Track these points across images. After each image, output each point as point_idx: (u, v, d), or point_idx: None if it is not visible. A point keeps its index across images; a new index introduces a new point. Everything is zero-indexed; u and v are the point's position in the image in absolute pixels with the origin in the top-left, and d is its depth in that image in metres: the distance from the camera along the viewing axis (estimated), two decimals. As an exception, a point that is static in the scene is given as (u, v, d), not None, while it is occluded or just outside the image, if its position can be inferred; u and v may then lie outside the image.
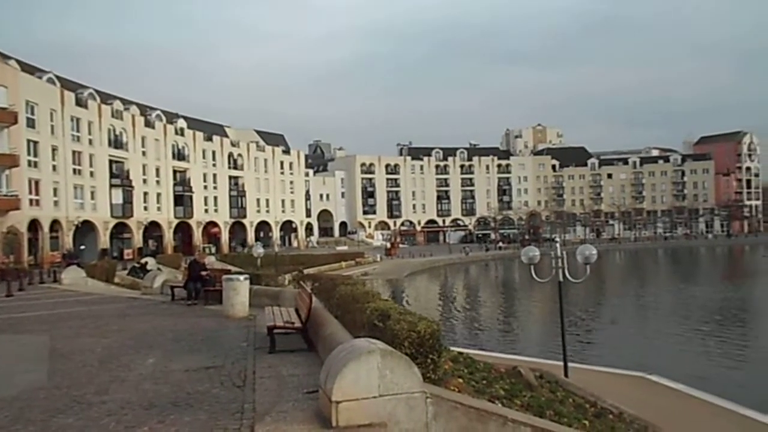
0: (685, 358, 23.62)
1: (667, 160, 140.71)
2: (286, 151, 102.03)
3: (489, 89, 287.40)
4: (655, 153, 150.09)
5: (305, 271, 39.10)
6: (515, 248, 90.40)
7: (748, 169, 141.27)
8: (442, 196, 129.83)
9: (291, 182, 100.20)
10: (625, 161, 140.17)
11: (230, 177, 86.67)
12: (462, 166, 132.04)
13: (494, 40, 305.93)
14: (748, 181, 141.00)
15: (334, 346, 6.34)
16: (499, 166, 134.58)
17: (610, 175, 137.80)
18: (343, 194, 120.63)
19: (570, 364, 15.50)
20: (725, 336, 28.89)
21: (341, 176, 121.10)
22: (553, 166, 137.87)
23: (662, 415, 12.14)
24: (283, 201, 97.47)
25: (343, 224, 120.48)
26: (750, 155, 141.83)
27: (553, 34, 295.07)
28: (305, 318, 9.63)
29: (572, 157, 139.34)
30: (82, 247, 55.32)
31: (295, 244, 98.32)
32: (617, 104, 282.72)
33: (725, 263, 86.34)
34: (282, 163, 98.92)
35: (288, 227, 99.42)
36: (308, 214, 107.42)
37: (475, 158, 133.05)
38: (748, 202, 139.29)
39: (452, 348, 14.36)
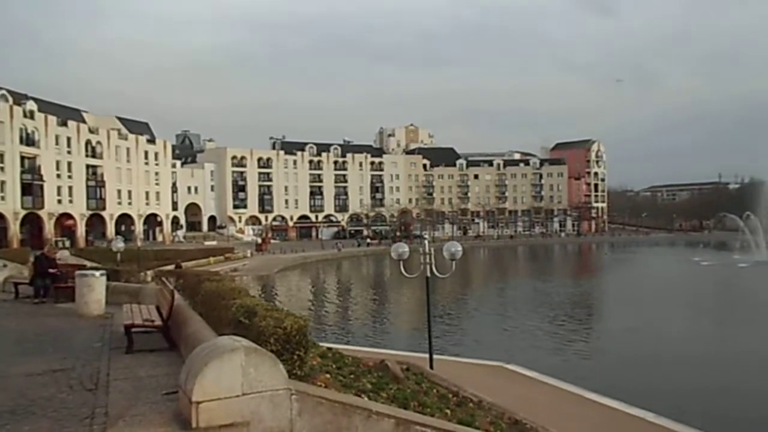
0: (541, 347, 25.33)
1: (527, 163, 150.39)
2: (151, 141, 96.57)
3: (364, 87, 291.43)
4: (517, 156, 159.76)
5: (169, 267, 37.27)
6: (387, 245, 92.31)
7: (596, 174, 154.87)
8: (316, 192, 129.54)
9: (156, 173, 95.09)
10: (491, 163, 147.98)
11: (88, 166, 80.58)
12: (336, 163, 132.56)
13: (369, 37, 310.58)
14: (596, 185, 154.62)
15: (197, 344, 6.08)
16: (372, 163, 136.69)
17: (476, 176, 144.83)
18: (212, 187, 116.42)
19: (435, 356, 16.01)
20: (575, 327, 31.41)
21: (211, 169, 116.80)
22: (424, 166, 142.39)
23: (519, 401, 12.91)
24: (147, 193, 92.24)
25: (212, 218, 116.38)
26: (598, 161, 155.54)
27: (427, 35, 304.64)
28: (167, 316, 9.16)
29: (442, 157, 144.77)
30: None
31: (160, 238, 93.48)
32: (485, 108, 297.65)
33: (575, 260, 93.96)
34: (146, 153, 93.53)
35: (152, 221, 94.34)
36: (175, 208, 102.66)
37: (349, 155, 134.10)
38: (595, 204, 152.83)
39: (321, 344, 14.33)
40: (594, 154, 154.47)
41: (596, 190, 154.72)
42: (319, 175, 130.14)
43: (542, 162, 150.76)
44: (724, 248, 79.24)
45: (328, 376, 8.25)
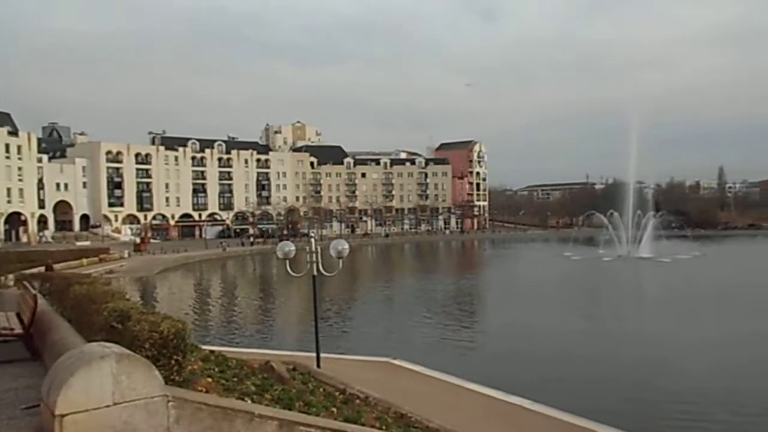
0: (426, 342, 26.02)
1: (413, 162, 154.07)
2: (13, 133, 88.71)
3: (250, 82, 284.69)
4: (403, 155, 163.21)
5: (36, 270, 34.50)
6: (274, 243, 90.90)
7: (478, 173, 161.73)
8: (199, 190, 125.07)
9: (19, 168, 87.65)
10: (378, 162, 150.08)
11: (-63, 159, 72.80)
12: (220, 159, 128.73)
13: (256, 31, 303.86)
14: (478, 184, 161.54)
15: (63, 352, 5.61)
16: (258, 160, 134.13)
17: (364, 174, 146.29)
18: (85, 184, 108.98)
19: (323, 355, 15.97)
20: (459, 321, 32.55)
21: (83, 164, 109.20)
22: (312, 163, 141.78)
23: (405, 395, 13.17)
24: (9, 189, 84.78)
25: (85, 217, 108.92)
26: (479, 162, 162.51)
27: (315, 32, 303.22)
28: (28, 323, 8.42)
29: (330, 155, 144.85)
30: None
31: (24, 239, 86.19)
32: (373, 107, 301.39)
33: (459, 256, 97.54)
34: (8, 146, 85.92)
35: (15, 220, 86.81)
36: (42, 206, 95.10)
37: (234, 152, 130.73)
38: (477, 203, 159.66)
39: (204, 347, 13.84)
40: (476, 154, 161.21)
41: (478, 189, 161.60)
42: (202, 172, 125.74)
43: (427, 161, 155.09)
44: (592, 243, 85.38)
45: (209, 380, 7.96)
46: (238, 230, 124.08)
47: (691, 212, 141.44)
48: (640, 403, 16.53)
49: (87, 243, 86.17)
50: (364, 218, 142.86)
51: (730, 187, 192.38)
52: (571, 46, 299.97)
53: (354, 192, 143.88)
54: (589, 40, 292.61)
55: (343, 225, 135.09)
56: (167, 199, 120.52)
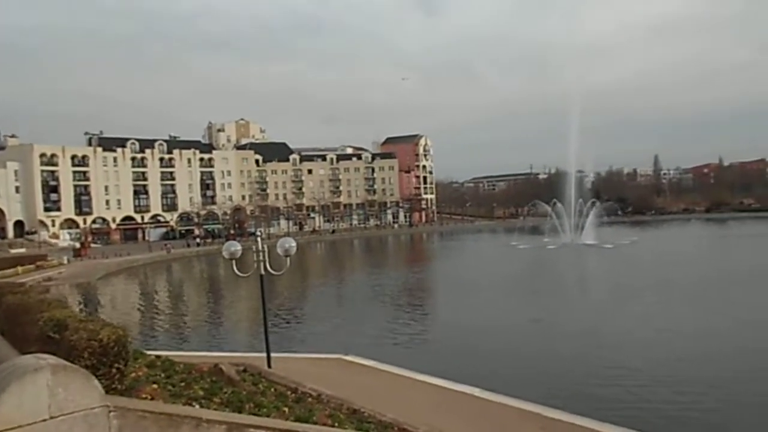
0: (378, 336, 26.09)
1: (359, 157, 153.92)
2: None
3: (190, 79, 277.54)
4: (349, 151, 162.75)
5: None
6: (221, 243, 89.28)
7: (425, 167, 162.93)
8: (140, 191, 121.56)
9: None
10: (324, 158, 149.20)
11: None
12: (162, 159, 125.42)
13: (197, 25, 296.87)
14: (425, 178, 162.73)
15: (-5, 367, 5.34)
16: (201, 159, 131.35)
17: (310, 171, 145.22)
18: (17, 189, 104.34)
19: (274, 354, 15.83)
20: (409, 314, 32.81)
21: (15, 168, 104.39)
22: (257, 161, 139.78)
23: (357, 391, 13.19)
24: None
25: (19, 223, 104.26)
26: (425, 155, 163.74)
27: (258, 26, 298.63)
28: (-43, 337, 8.00)
29: (275, 152, 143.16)
30: None
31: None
32: (318, 102, 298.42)
33: (409, 249, 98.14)
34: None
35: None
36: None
37: (176, 151, 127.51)
38: (425, 196, 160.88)
39: (151, 352, 13.49)
40: (422, 148, 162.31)
41: (425, 183, 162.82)
42: (143, 173, 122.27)
43: (374, 156, 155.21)
44: (537, 232, 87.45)
45: (155, 386, 7.74)
46: (183, 231, 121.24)
47: (630, 199, 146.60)
48: (587, 387, 17.05)
49: (22, 250, 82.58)
50: (312, 215, 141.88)
51: (665, 174, 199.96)
52: (513, 40, 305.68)
53: (301, 189, 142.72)
54: (531, 33, 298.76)
55: (290, 222, 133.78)
56: (107, 201, 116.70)
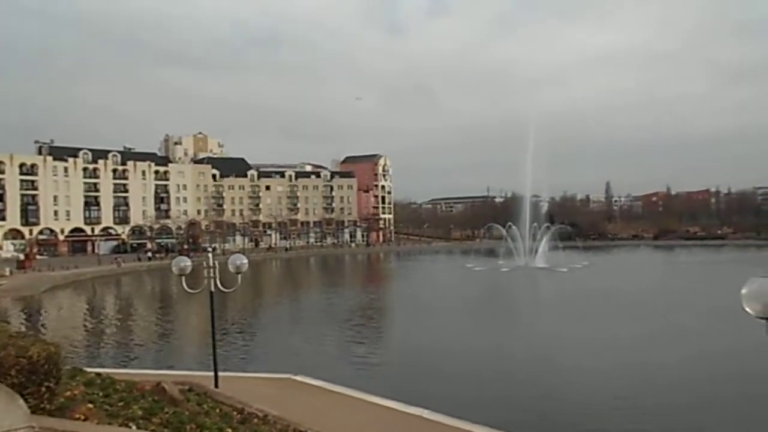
0: (330, 356, 25.82)
1: (318, 175, 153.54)
2: None
3: (148, 91, 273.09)
4: (308, 168, 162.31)
5: None
6: (173, 258, 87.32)
7: (383, 187, 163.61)
8: (91, 203, 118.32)
9: None
10: (282, 174, 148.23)
11: None
12: (115, 171, 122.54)
13: (153, 37, 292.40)
14: (383, 198, 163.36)
15: None
16: (157, 172, 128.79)
17: (268, 187, 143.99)
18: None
19: (222, 374, 15.45)
20: (363, 334, 32.61)
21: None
22: (214, 176, 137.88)
23: (306, 412, 12.97)
24: None
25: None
26: (385, 175, 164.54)
27: (218, 40, 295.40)
28: None
29: (232, 167, 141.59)
30: None
31: None
32: (278, 119, 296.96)
33: (365, 269, 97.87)
34: None
35: None
36: None
37: (131, 163, 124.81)
38: (383, 216, 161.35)
39: (92, 369, 13.01)
40: (381, 168, 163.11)
41: (383, 202, 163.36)
42: (95, 184, 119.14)
43: (333, 174, 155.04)
44: (492, 255, 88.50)
45: (91, 406, 7.42)
46: (134, 245, 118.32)
47: (582, 224, 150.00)
48: (539, 411, 17.18)
49: (-38, 261, 79.08)
50: (269, 232, 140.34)
51: (616, 201, 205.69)
52: (473, 64, 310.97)
53: (258, 205, 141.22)
54: (491, 58, 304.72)
55: (246, 239, 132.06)
56: (56, 212, 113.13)
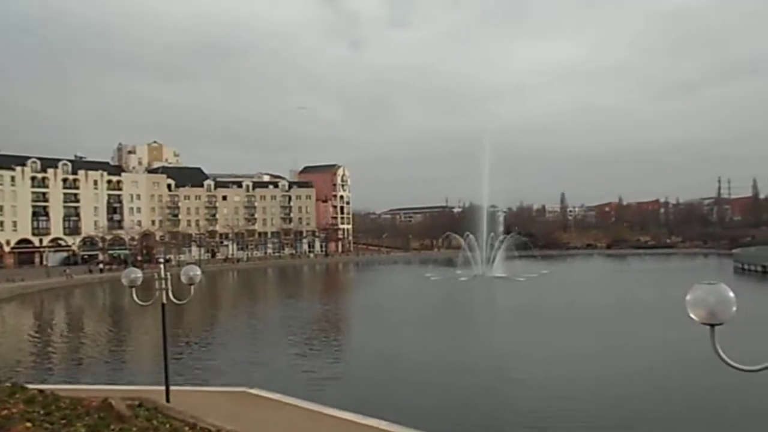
0: (287, 368, 25.46)
1: (276, 185, 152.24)
2: None
3: (99, 98, 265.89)
4: (266, 178, 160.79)
5: None
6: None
7: (342, 197, 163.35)
8: (40, 213, 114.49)
9: None
10: (239, 184, 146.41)
11: None
12: (65, 180, 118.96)
13: (106, 44, 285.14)
14: (342, 208, 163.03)
15: None
16: (109, 182, 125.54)
17: (225, 197, 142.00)
18: None
19: (175, 388, 15.07)
20: (320, 346, 32.29)
21: None
22: (169, 186, 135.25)
23: (260, 426, 12.78)
24: None
25: None
26: (343, 185, 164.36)
27: (173, 48, 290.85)
28: None
29: (188, 177, 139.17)
30: None
31: None
32: (236, 128, 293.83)
33: (323, 279, 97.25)
34: None
35: None
36: None
37: (82, 172, 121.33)
38: (341, 226, 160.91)
39: (34, 386, 12.47)
40: (340, 178, 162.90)
41: (342, 213, 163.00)
42: (44, 194, 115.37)
43: (291, 184, 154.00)
44: (450, 264, 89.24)
45: (29, 425, 7.09)
46: (86, 257, 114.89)
47: (538, 234, 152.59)
48: (495, 420, 17.28)
49: None
50: (226, 242, 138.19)
51: (570, 211, 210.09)
52: (431, 78, 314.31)
53: (214, 215, 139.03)
54: (447, 72, 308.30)
55: (202, 250, 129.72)
56: (1, 223, 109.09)
